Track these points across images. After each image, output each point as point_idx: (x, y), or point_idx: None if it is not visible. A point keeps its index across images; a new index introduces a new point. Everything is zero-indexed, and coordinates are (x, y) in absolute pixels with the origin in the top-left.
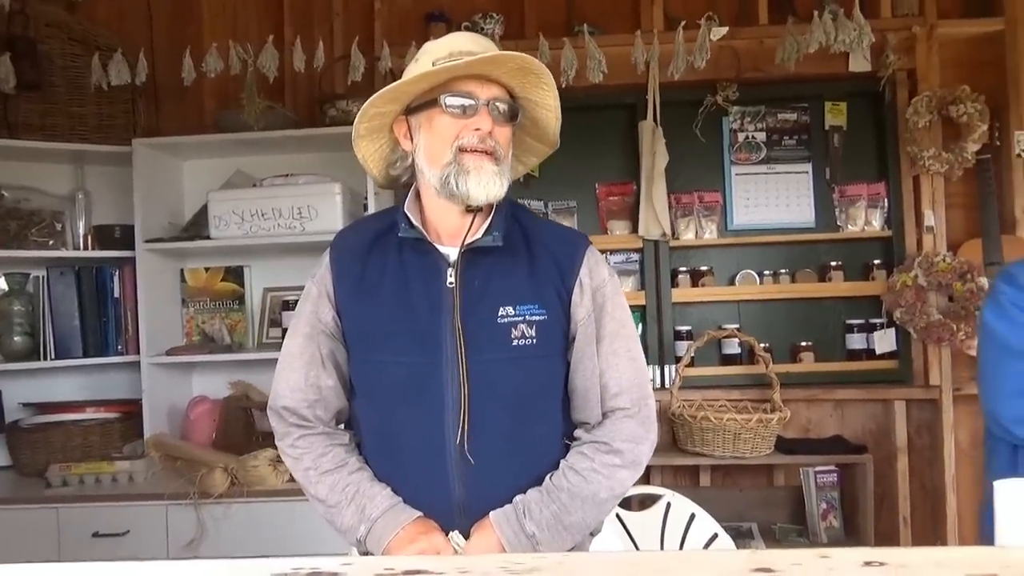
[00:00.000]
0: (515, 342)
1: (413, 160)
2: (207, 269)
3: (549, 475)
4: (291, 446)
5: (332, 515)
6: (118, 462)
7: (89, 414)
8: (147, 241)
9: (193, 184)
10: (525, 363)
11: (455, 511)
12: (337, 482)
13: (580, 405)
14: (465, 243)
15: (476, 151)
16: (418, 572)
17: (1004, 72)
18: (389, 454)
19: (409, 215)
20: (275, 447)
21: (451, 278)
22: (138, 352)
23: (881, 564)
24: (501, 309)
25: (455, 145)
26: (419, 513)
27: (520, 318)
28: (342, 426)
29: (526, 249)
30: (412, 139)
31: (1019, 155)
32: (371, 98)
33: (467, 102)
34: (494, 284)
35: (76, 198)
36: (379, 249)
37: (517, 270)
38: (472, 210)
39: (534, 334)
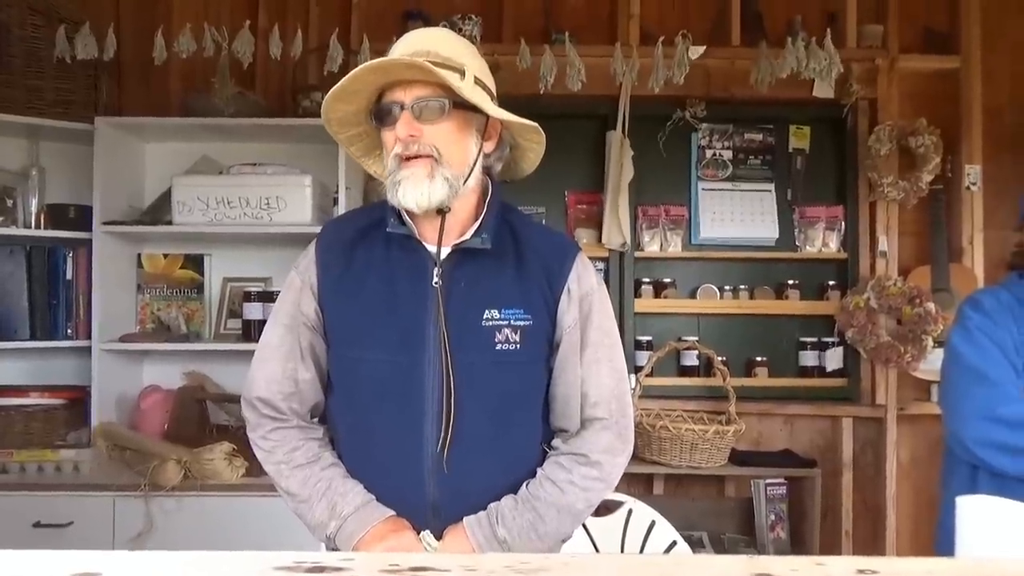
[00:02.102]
0: (499, 346)
1: None
2: (166, 255)
3: (526, 483)
4: (263, 438)
5: (302, 510)
6: (63, 450)
7: (33, 399)
8: (106, 223)
9: (155, 167)
10: (508, 367)
11: (428, 511)
12: (309, 477)
13: (560, 412)
14: (448, 244)
15: (408, 158)
16: (423, 569)
17: (958, 107)
18: (364, 451)
19: (399, 210)
20: (230, 440)
21: (437, 277)
22: (88, 337)
23: (874, 572)
24: (486, 312)
25: (393, 155)
26: (391, 512)
27: (505, 322)
28: (316, 420)
29: (515, 252)
30: None
31: (968, 188)
32: (326, 126)
33: (387, 112)
34: (480, 286)
35: (29, 174)
36: (366, 243)
37: (504, 273)
38: (440, 212)
39: (518, 339)
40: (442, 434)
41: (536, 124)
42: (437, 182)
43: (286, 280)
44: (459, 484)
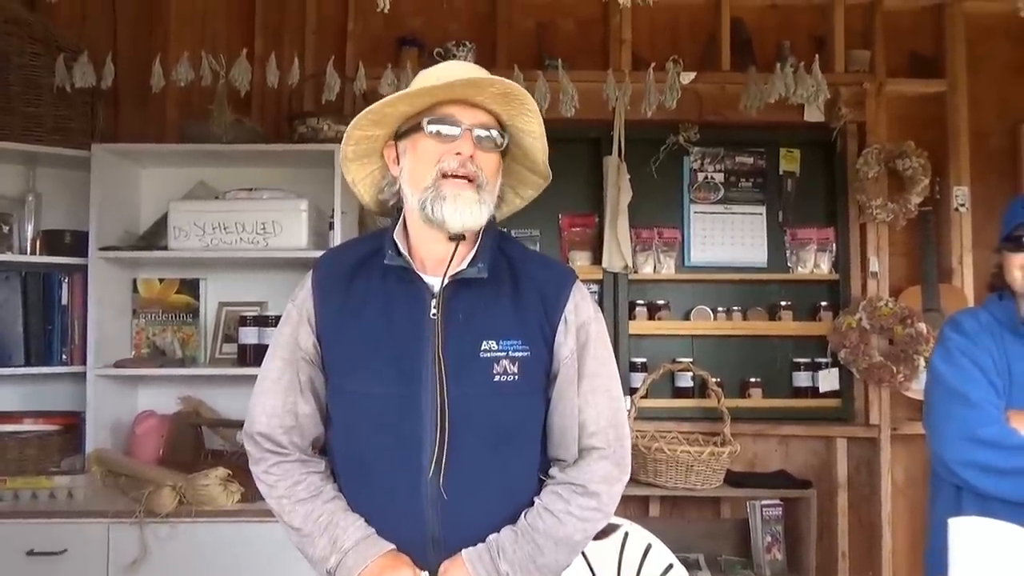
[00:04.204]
0: (496, 377)
1: (400, 186)
2: (161, 280)
3: (524, 513)
4: (265, 472)
5: (304, 544)
6: (57, 477)
7: (27, 425)
8: (102, 249)
9: (151, 193)
10: (506, 399)
11: (428, 544)
12: (311, 511)
13: (557, 442)
14: (448, 274)
15: (456, 176)
16: None
17: (945, 130)
18: (363, 484)
19: (397, 242)
20: (225, 466)
21: (434, 309)
22: (83, 363)
23: None
24: (484, 343)
25: (436, 169)
26: (391, 546)
27: (503, 353)
28: (317, 452)
29: (511, 282)
30: (399, 164)
31: (956, 209)
32: (354, 120)
33: (449, 126)
34: (478, 317)
35: (26, 200)
36: (363, 275)
37: (501, 303)
38: (455, 238)
39: (516, 370)
40: (434, 459)
41: (544, 182)
42: (483, 207)
43: (284, 313)
44: (458, 515)
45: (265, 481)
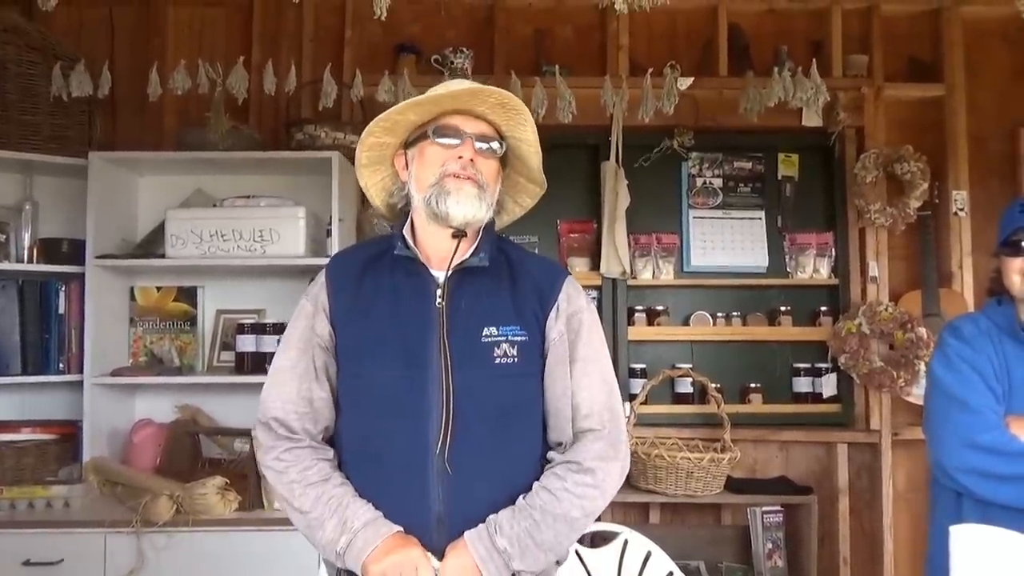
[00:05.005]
0: (498, 360)
1: (409, 189)
2: (159, 288)
3: (523, 495)
4: (276, 459)
5: (312, 528)
6: (53, 486)
7: (24, 435)
8: (99, 257)
9: (148, 201)
10: (507, 380)
11: (433, 525)
12: (322, 495)
13: (552, 424)
14: (452, 264)
15: (458, 176)
16: None
17: (943, 134)
18: (371, 466)
19: (406, 237)
20: (223, 474)
21: (439, 299)
22: (81, 371)
23: None
24: (485, 329)
25: (440, 170)
26: (399, 528)
27: (503, 337)
28: (325, 442)
29: (510, 275)
30: (408, 169)
31: (955, 213)
32: (368, 127)
33: (453, 133)
34: (480, 305)
35: (23, 209)
36: (372, 272)
37: (501, 293)
38: (458, 235)
39: (516, 353)
40: (441, 437)
41: (540, 191)
42: (484, 204)
43: (296, 310)
44: (462, 493)
45: (275, 468)
